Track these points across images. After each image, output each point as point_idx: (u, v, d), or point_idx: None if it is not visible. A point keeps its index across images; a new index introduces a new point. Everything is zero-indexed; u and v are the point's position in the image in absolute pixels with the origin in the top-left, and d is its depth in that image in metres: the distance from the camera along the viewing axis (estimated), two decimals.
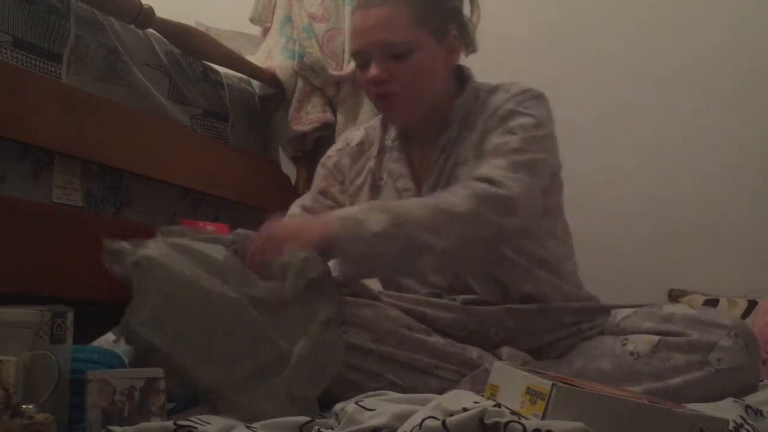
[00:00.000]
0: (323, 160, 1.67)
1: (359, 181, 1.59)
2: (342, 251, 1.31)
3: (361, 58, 1.48)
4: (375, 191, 1.55)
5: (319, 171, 1.66)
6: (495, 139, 1.41)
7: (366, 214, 1.29)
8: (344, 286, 1.39)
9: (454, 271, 1.45)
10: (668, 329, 1.28)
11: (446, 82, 1.51)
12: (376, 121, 1.66)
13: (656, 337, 1.27)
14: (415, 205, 1.34)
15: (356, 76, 1.55)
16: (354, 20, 1.50)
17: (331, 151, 1.67)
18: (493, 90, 1.51)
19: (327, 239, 1.29)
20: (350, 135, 1.67)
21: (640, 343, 1.28)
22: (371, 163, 1.57)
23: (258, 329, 1.19)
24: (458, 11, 1.53)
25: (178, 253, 1.21)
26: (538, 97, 1.47)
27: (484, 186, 1.33)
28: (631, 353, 1.27)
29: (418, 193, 1.50)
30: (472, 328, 1.42)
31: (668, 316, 1.31)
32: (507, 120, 1.43)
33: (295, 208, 1.64)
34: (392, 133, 1.56)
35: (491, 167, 1.36)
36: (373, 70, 1.44)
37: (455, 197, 1.32)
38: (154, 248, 1.21)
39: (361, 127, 1.68)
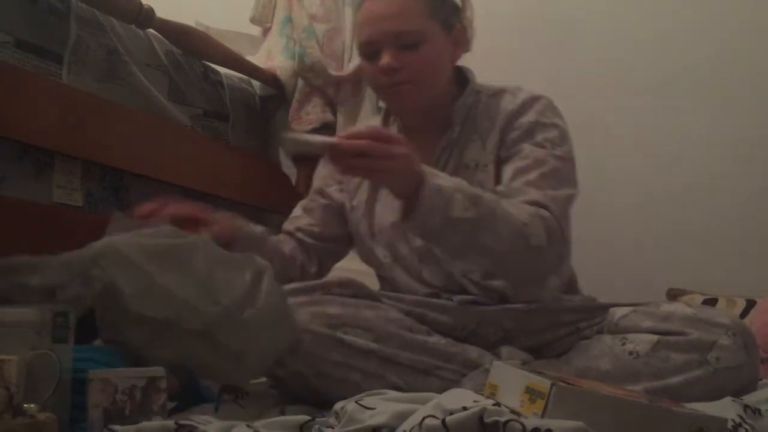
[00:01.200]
0: (324, 160, 1.67)
1: (358, 179, 1.58)
2: (419, 216, 1.25)
3: (371, 47, 1.46)
4: (376, 187, 1.54)
5: (320, 171, 1.66)
6: (529, 153, 1.40)
7: (456, 195, 1.25)
8: (346, 287, 1.40)
9: (449, 273, 1.45)
10: (667, 328, 1.28)
11: (449, 78, 1.52)
12: (375, 122, 1.66)
13: (655, 337, 1.27)
14: (500, 212, 1.29)
15: (361, 67, 1.53)
16: (364, 9, 1.49)
17: None
18: (498, 93, 1.51)
19: (413, 193, 1.24)
20: None
21: (640, 342, 1.28)
22: None
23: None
24: (459, 7, 1.54)
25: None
26: (553, 105, 1.48)
27: (551, 223, 1.32)
28: (631, 353, 1.28)
29: None
30: (471, 327, 1.42)
31: (667, 315, 1.31)
32: (533, 132, 1.43)
33: (297, 210, 1.65)
34: (392, 130, 1.56)
35: (546, 197, 1.35)
36: (386, 59, 1.42)
37: (534, 228, 1.30)
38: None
39: (361, 126, 1.69)
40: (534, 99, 1.47)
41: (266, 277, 1.25)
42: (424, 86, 1.46)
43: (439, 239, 1.32)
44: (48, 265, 1.15)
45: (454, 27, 1.50)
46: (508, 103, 1.48)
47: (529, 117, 1.45)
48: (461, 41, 1.52)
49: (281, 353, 1.25)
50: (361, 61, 1.53)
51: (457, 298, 1.45)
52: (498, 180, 1.43)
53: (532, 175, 1.38)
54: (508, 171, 1.41)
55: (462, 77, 1.55)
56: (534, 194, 1.35)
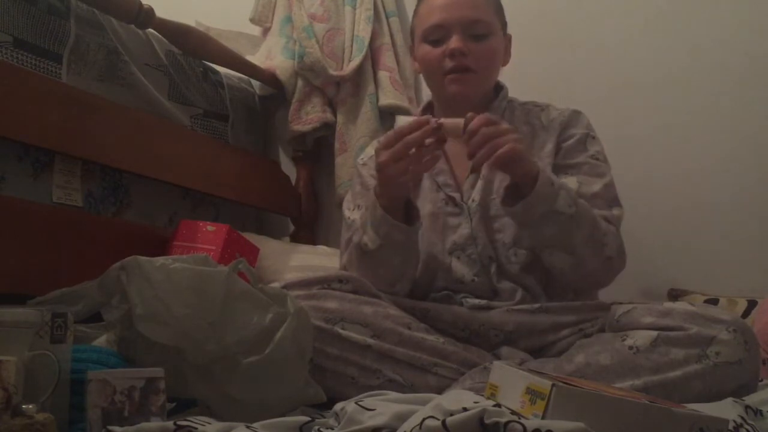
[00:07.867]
0: (365, 161, 1.66)
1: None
2: (528, 201, 1.35)
3: (440, 32, 1.52)
4: (416, 183, 1.54)
5: (363, 172, 1.64)
6: (590, 167, 1.51)
7: (561, 191, 1.36)
8: (345, 282, 1.40)
9: (486, 269, 1.47)
10: (667, 324, 1.28)
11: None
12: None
13: (655, 332, 1.27)
14: (591, 216, 1.40)
15: (421, 52, 1.57)
16: None
17: (367, 156, 1.67)
18: (530, 105, 1.61)
19: (529, 182, 1.34)
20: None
21: (640, 337, 1.28)
22: None
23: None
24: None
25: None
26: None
27: (619, 239, 1.46)
28: (630, 347, 1.27)
29: (459, 188, 1.53)
30: (473, 329, 1.42)
31: (668, 310, 1.31)
32: (586, 143, 1.55)
33: (352, 213, 1.60)
34: None
35: (612, 216, 1.47)
36: (456, 42, 1.49)
37: (610, 240, 1.43)
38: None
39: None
40: (578, 112, 1.59)
41: (287, 324, 1.19)
42: (483, 77, 1.55)
43: (537, 228, 1.39)
44: (87, 290, 1.18)
45: (506, 31, 1.61)
46: (557, 115, 1.58)
47: (579, 129, 1.56)
48: (508, 47, 1.62)
49: (291, 405, 1.20)
50: (422, 47, 1.56)
51: (470, 303, 1.45)
52: None
53: (597, 186, 1.49)
54: (572, 180, 1.49)
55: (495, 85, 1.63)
56: (603, 210, 1.46)
